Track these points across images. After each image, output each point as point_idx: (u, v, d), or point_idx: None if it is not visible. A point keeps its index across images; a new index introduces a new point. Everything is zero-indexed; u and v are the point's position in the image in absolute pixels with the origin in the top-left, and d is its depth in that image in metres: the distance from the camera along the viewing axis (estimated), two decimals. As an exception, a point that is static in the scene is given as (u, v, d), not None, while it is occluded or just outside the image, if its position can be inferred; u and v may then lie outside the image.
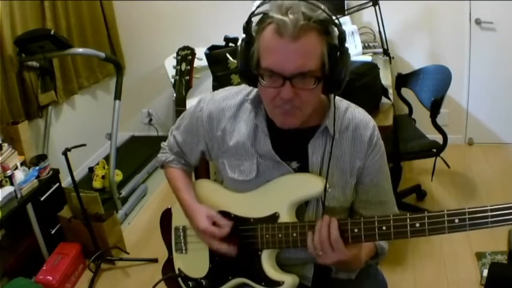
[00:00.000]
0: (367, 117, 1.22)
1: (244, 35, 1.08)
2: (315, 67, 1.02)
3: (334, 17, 1.02)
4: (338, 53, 1.03)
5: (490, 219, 0.95)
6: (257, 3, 1.06)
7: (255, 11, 1.05)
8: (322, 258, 1.09)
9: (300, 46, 0.99)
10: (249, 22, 1.07)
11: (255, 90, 1.20)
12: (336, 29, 1.03)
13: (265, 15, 1.03)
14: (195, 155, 1.36)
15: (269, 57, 1.02)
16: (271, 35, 1.01)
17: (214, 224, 1.22)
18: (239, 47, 1.09)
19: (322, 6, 1.01)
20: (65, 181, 2.86)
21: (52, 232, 2.51)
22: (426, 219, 1.01)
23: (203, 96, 1.31)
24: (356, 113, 1.21)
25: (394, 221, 1.04)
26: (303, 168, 1.19)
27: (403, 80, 2.86)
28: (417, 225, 1.02)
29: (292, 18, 0.97)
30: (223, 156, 1.26)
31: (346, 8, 3.19)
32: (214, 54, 2.70)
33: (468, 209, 0.97)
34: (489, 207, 0.95)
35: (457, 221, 0.98)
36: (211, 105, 1.26)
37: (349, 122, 1.19)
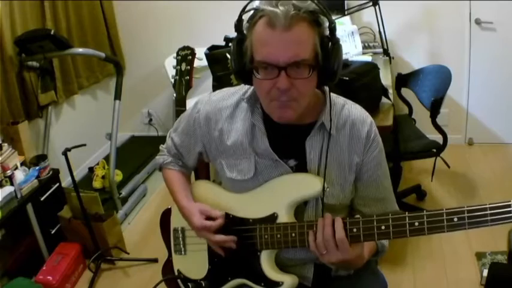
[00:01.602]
0: (364, 114, 1.22)
1: (236, 34, 1.08)
2: (308, 56, 1.03)
3: (323, 8, 1.03)
4: (330, 43, 1.05)
5: (489, 218, 0.94)
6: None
7: (245, 8, 1.06)
8: (325, 257, 1.09)
9: (292, 36, 1.00)
10: (239, 20, 1.08)
11: (251, 89, 1.20)
12: (326, 20, 1.04)
13: (256, 10, 1.04)
14: (192, 157, 1.36)
15: (263, 49, 1.03)
16: (263, 28, 1.02)
17: (208, 218, 1.23)
18: (231, 47, 1.10)
19: None
20: (65, 181, 2.86)
21: (52, 232, 2.51)
22: (425, 218, 1.01)
23: (200, 98, 1.31)
24: (353, 109, 1.21)
25: (393, 220, 1.04)
26: (301, 165, 1.19)
27: (403, 80, 2.86)
28: (416, 224, 1.01)
29: (283, 9, 0.99)
30: (221, 156, 1.26)
31: (346, 8, 3.19)
32: (214, 54, 2.69)
33: (467, 207, 0.97)
34: (488, 206, 0.95)
35: (456, 219, 0.98)
36: (208, 107, 1.26)
37: (346, 119, 1.19)
